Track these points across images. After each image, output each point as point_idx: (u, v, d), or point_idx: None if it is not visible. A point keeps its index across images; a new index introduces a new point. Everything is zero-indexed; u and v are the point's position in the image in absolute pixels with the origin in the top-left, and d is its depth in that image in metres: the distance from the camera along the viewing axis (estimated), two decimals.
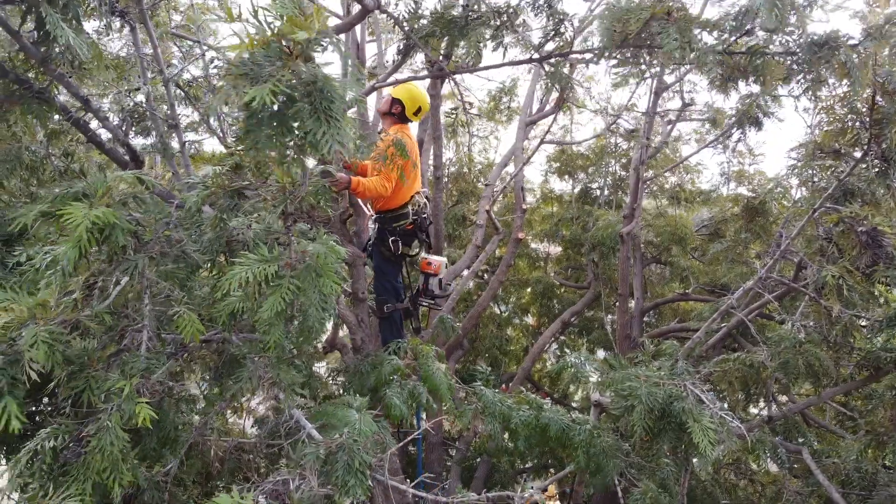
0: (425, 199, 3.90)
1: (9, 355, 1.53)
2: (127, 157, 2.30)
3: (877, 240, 2.52)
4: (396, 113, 3.71)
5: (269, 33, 1.24)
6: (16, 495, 1.82)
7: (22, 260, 2.49)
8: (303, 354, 2.60)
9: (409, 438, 3.48)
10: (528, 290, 9.04)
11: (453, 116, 7.59)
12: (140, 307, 1.95)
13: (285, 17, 1.23)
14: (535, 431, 3.30)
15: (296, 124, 1.26)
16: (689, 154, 7.66)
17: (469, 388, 3.48)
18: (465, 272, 6.49)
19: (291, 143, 1.34)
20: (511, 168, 7.15)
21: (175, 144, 2.73)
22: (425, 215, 3.87)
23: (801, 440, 3.78)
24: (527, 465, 7.93)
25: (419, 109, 3.75)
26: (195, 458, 2.68)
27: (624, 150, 8.05)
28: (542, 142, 6.57)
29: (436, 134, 5.73)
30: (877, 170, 2.61)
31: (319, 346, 5.36)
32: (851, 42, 2.16)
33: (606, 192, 8.35)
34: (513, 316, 9.32)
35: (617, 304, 6.63)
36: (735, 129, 5.80)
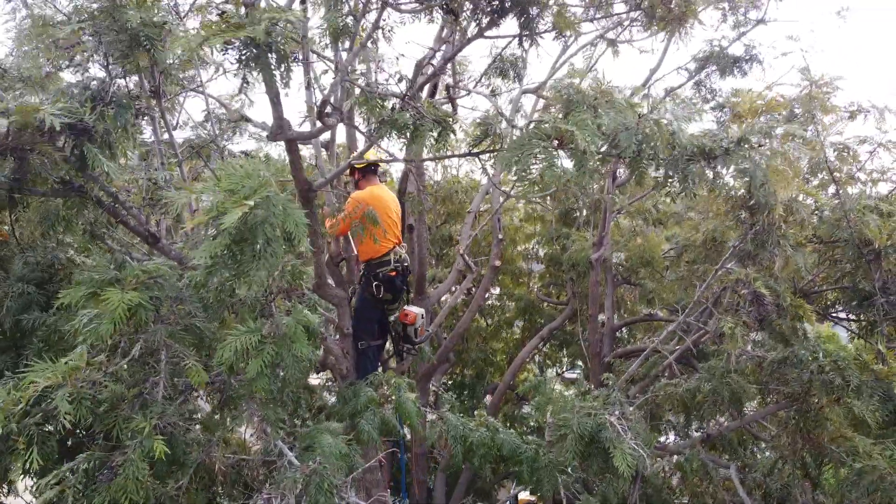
0: (404, 253, 4.46)
1: (47, 413, 2.09)
2: (147, 234, 2.87)
3: (759, 299, 3.07)
4: (360, 169, 4.32)
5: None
6: None
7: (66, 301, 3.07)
8: (292, 385, 3.16)
9: (388, 451, 4.05)
10: (513, 304, 9.59)
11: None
12: (158, 361, 2.51)
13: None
14: (490, 450, 3.87)
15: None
16: (654, 187, 8.16)
17: (437, 412, 4.05)
18: (448, 296, 7.09)
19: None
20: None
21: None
22: (406, 265, 4.45)
23: (727, 458, 4.32)
24: (510, 471, 8.49)
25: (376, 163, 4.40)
26: (203, 472, 3.26)
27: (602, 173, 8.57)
28: (507, 196, 6.93)
29: (418, 172, 6.28)
30: (755, 243, 3.16)
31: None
32: (713, 155, 2.70)
33: (585, 213, 8.88)
34: (499, 329, 9.88)
35: (589, 323, 7.18)
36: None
